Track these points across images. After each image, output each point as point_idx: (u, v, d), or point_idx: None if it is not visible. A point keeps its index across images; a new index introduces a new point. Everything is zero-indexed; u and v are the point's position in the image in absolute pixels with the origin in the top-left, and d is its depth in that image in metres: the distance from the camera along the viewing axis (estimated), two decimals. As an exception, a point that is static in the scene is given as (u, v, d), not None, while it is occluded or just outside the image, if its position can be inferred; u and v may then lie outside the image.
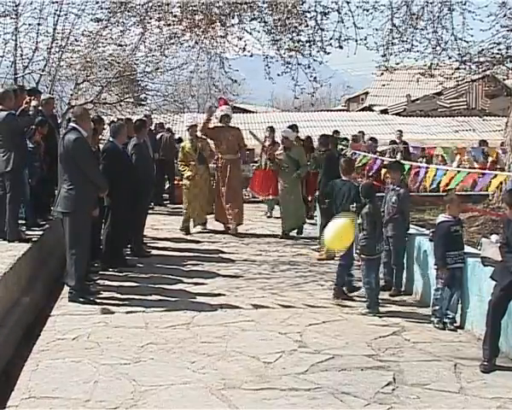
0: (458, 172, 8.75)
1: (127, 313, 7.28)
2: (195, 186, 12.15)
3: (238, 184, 12.60)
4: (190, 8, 12.64)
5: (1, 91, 8.74)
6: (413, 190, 12.64)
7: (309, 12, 12.48)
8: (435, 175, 9.03)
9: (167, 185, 17.23)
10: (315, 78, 12.86)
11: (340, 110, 40.09)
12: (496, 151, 14.20)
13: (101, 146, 9.73)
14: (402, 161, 10.13)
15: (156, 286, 8.37)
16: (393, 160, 10.97)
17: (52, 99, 10.85)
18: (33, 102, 9.53)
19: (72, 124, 7.83)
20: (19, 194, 8.61)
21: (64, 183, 7.65)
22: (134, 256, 10.00)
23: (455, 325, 6.90)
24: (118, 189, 8.74)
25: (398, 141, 18.61)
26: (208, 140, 12.79)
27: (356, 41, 12.22)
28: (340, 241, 7.32)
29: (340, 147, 13.16)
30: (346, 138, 16.36)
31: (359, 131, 19.90)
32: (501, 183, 8.11)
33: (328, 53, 12.51)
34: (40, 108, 10.15)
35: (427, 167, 9.37)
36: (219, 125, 12.49)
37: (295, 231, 12.38)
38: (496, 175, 8.11)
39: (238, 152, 12.50)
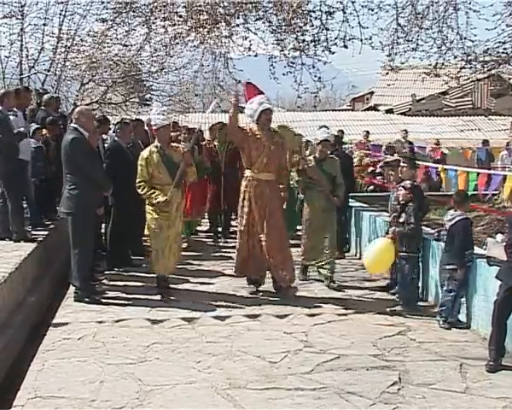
0: (468, 172, 8.74)
1: (132, 312, 7.29)
2: (168, 220, 7.90)
3: (281, 219, 8.14)
4: (195, 8, 12.64)
5: (1, 92, 8.79)
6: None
7: (314, 12, 12.47)
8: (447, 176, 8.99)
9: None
10: (319, 78, 12.86)
11: (346, 110, 40.06)
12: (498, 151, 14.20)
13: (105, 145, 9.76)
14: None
15: (161, 286, 8.38)
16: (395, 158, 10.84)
17: (53, 98, 10.86)
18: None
19: (72, 124, 7.86)
20: (17, 194, 8.60)
21: (66, 183, 7.70)
22: (135, 256, 9.99)
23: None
24: (122, 188, 8.75)
25: (403, 141, 18.64)
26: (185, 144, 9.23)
27: (361, 41, 12.19)
28: (381, 263, 7.62)
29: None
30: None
31: (364, 131, 19.94)
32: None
33: (333, 53, 12.49)
34: (43, 107, 10.21)
35: (436, 167, 9.35)
36: (255, 126, 8.06)
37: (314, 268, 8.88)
38: (505, 176, 8.09)
39: (278, 170, 8.17)
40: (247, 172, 8.06)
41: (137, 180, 7.94)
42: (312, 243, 8.72)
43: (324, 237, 8.61)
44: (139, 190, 7.95)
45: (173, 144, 8.32)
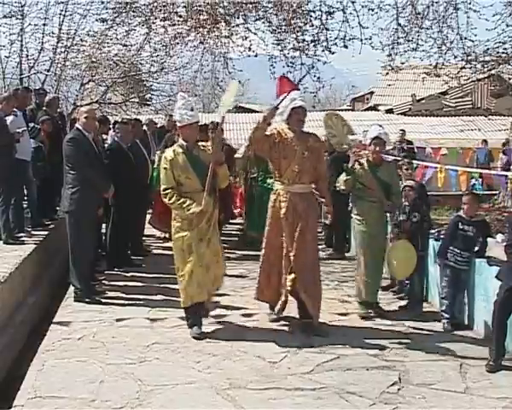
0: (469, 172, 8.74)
1: (132, 312, 7.29)
2: (199, 235, 6.46)
3: (315, 240, 6.98)
4: (195, 8, 12.66)
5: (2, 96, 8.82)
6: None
7: (314, 12, 12.50)
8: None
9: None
10: (318, 78, 12.88)
11: (346, 110, 40.03)
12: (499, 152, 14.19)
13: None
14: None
15: (161, 286, 8.37)
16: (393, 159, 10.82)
17: (55, 98, 10.87)
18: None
19: (76, 125, 7.89)
20: (8, 196, 8.60)
21: (66, 183, 7.71)
22: (135, 256, 9.94)
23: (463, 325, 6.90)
24: (122, 188, 8.75)
25: (400, 140, 18.66)
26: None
27: (361, 41, 12.22)
28: (406, 267, 7.29)
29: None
30: None
31: (364, 131, 19.91)
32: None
33: (333, 53, 12.52)
34: (45, 108, 10.22)
35: (435, 167, 9.35)
36: (285, 128, 6.71)
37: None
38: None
39: (314, 181, 6.83)
40: (277, 185, 6.74)
41: (163, 187, 6.49)
42: (373, 274, 7.28)
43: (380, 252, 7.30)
44: (166, 199, 6.49)
45: (201, 144, 6.74)
